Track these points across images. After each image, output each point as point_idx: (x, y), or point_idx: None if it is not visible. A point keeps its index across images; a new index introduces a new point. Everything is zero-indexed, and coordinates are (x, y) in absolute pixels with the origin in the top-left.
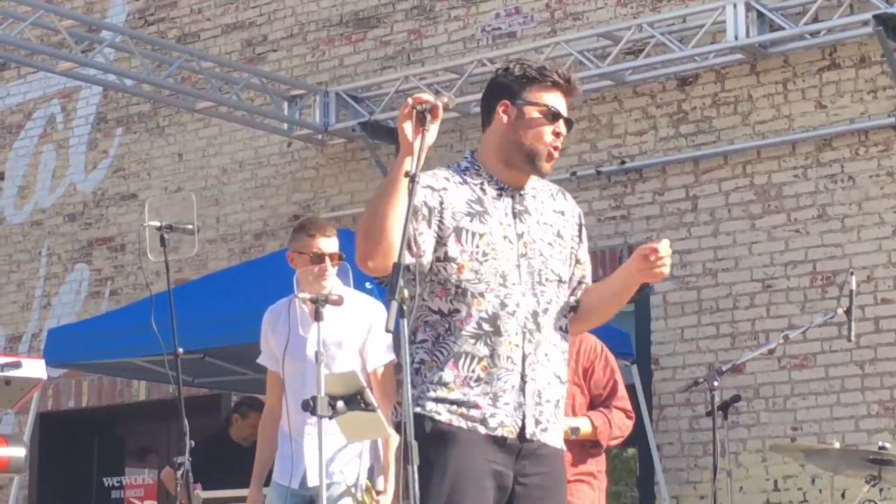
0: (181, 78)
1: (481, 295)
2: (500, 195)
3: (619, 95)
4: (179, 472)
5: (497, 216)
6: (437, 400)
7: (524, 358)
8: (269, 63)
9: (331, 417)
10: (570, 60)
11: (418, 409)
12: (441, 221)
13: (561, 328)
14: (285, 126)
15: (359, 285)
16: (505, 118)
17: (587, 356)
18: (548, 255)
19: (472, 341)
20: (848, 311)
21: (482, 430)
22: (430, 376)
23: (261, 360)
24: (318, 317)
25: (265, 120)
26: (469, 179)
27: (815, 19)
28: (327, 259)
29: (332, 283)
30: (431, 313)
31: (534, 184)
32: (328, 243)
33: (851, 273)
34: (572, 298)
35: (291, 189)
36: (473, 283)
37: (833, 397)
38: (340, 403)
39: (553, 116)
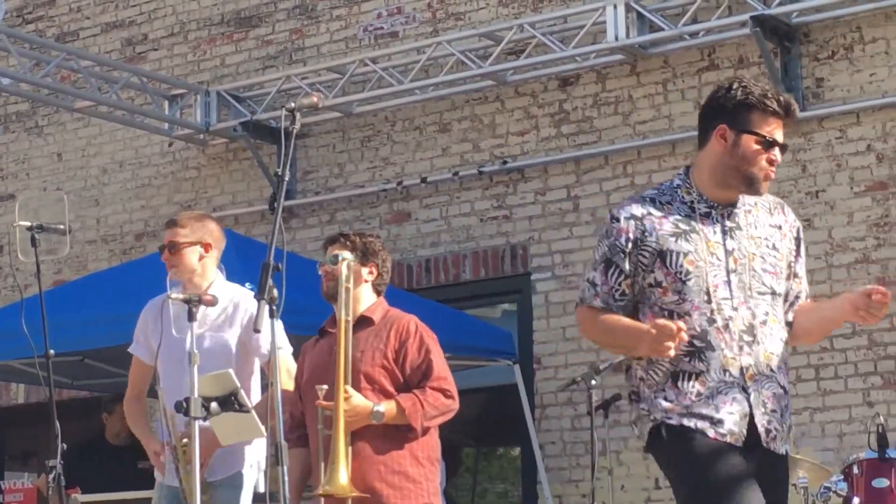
0: (60, 77)
1: (687, 314)
2: (709, 213)
3: (501, 95)
4: (51, 476)
5: (705, 234)
6: (665, 411)
7: (743, 370)
8: (150, 62)
9: (205, 419)
10: (451, 60)
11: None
12: (645, 250)
13: (782, 340)
14: (166, 126)
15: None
16: (722, 143)
17: (399, 337)
18: (759, 269)
19: (687, 359)
20: None
21: (711, 433)
22: (649, 394)
23: (132, 349)
24: (191, 317)
25: (146, 119)
26: (679, 197)
27: (695, 20)
28: (167, 251)
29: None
30: None
31: (750, 199)
32: (168, 233)
33: None
34: (789, 314)
35: (173, 189)
36: (677, 303)
37: None
38: (214, 405)
39: (768, 144)
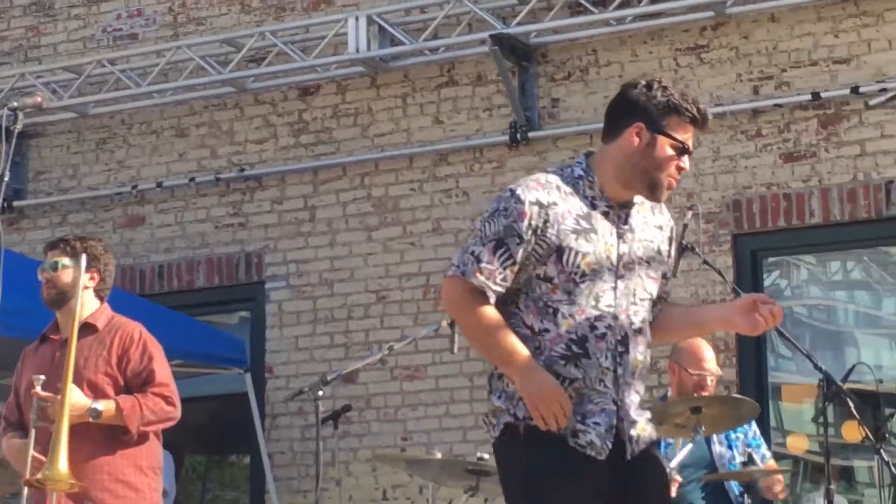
0: None
1: (572, 316)
2: (608, 212)
3: (241, 102)
4: None
5: (604, 236)
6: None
7: (617, 380)
8: None
9: None
10: (191, 65)
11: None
12: (543, 241)
13: (648, 345)
14: None
15: None
16: (636, 141)
17: (122, 344)
18: (644, 275)
19: (563, 363)
20: (452, 324)
21: (570, 442)
22: (515, 392)
23: None
24: None
25: None
26: (581, 189)
27: (435, 36)
28: None
29: None
30: (523, 327)
31: (638, 198)
32: None
33: None
34: (652, 313)
35: None
36: (565, 303)
37: (442, 408)
38: None
39: (682, 151)
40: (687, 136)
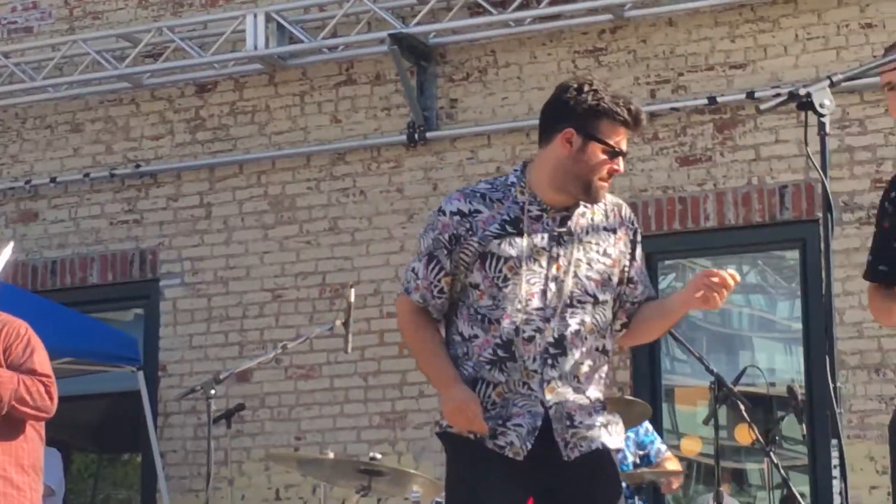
0: None
1: (497, 321)
2: (540, 216)
3: (137, 98)
4: None
5: (533, 239)
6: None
7: (543, 383)
8: None
9: None
10: (87, 60)
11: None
12: (467, 249)
13: (597, 349)
14: None
15: None
16: (567, 147)
17: (7, 339)
18: (583, 276)
19: (488, 367)
20: (346, 324)
21: (490, 444)
22: None
23: None
24: None
25: None
26: (511, 196)
27: (334, 34)
28: None
29: None
30: (456, 333)
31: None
32: None
33: (351, 286)
34: (619, 321)
35: None
36: (491, 308)
37: (337, 408)
38: None
39: (614, 154)
40: (619, 138)
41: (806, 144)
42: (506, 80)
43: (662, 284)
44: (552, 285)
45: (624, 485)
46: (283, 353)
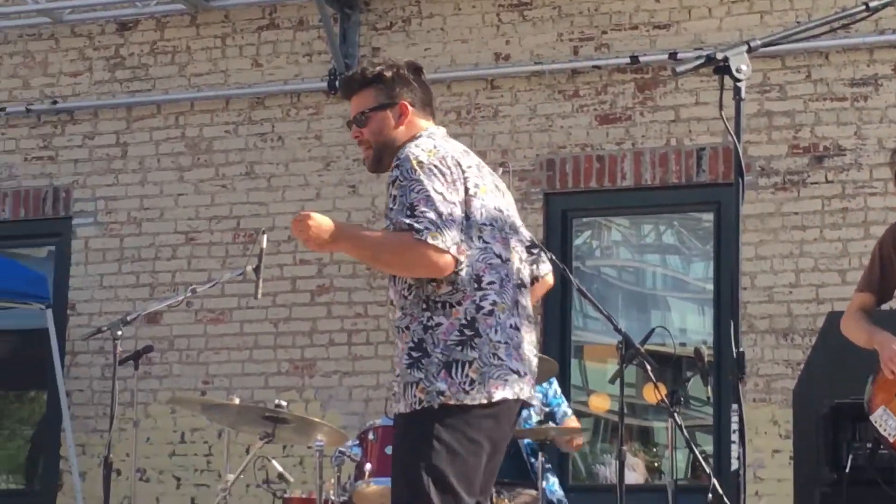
0: None
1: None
2: None
3: (56, 34)
4: None
5: None
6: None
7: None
8: None
9: None
10: None
11: None
12: None
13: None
14: None
15: None
16: None
17: None
18: None
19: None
20: (257, 269)
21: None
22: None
23: None
24: None
25: None
26: None
27: None
28: None
29: None
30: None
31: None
32: None
33: (263, 232)
34: None
35: None
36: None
37: (246, 353)
38: None
39: (349, 125)
40: (350, 108)
41: (721, 108)
42: (429, 30)
43: (577, 241)
44: None
45: (527, 441)
46: (194, 296)
